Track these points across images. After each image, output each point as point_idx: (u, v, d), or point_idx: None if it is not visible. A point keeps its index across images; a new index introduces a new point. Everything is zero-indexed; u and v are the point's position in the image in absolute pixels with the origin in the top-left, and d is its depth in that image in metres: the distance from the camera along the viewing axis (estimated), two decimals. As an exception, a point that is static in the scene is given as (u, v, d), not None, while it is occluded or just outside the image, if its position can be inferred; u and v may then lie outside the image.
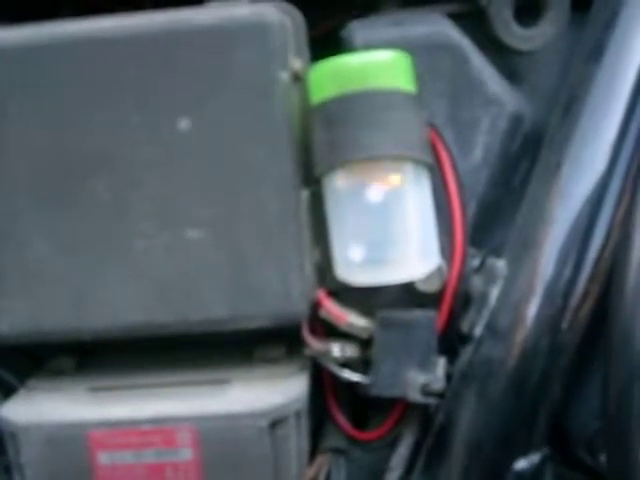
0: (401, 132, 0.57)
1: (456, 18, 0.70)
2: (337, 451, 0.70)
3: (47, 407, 0.61)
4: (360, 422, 0.70)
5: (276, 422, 0.59)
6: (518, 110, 0.69)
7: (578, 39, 0.69)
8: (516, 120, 0.69)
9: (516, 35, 0.68)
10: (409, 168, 0.58)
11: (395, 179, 0.58)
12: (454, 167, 0.64)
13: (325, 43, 0.65)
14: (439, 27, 0.67)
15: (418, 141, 0.58)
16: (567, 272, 0.62)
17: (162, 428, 0.58)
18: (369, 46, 0.65)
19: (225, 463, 0.59)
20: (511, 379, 0.62)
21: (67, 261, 0.60)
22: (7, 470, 0.71)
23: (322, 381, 0.69)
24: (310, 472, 0.67)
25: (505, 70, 0.70)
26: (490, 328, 0.63)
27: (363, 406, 0.70)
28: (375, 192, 0.58)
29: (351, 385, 0.66)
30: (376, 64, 0.58)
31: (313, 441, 0.67)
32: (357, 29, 0.67)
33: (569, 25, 0.68)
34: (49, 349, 0.67)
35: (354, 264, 0.59)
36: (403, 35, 0.66)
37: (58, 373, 0.67)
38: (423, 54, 0.65)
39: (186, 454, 0.58)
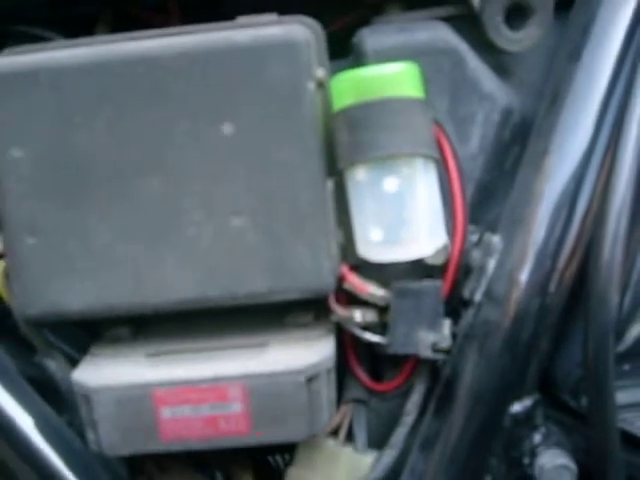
0: (412, 133, 0.66)
1: (453, 20, 0.77)
2: (358, 401, 0.79)
3: (114, 371, 0.70)
4: (376, 375, 0.80)
5: (311, 378, 0.68)
6: (509, 104, 0.76)
7: (560, 38, 0.76)
8: (507, 113, 0.76)
9: (506, 37, 0.74)
10: (419, 162, 0.68)
11: (407, 172, 0.68)
12: (455, 155, 0.73)
13: (334, 41, 0.73)
14: (440, 33, 0.75)
15: (427, 139, 0.68)
16: (553, 244, 0.70)
17: (216, 386, 0.68)
18: (378, 51, 0.73)
19: (269, 413, 0.68)
20: (506, 337, 0.71)
21: (128, 247, 0.69)
22: (70, 424, 0.81)
23: (343, 341, 0.78)
24: (336, 419, 0.77)
25: (496, 67, 0.77)
26: (488, 294, 0.71)
27: (378, 362, 0.79)
28: (390, 183, 0.67)
29: (369, 344, 0.76)
30: (390, 75, 0.67)
31: (336, 393, 0.75)
32: (367, 35, 0.75)
33: (553, 25, 0.75)
34: (107, 320, 0.75)
35: (374, 244, 0.69)
36: (408, 41, 0.74)
37: (116, 341, 0.75)
38: (426, 57, 0.73)
39: (236, 407, 0.68)
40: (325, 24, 0.72)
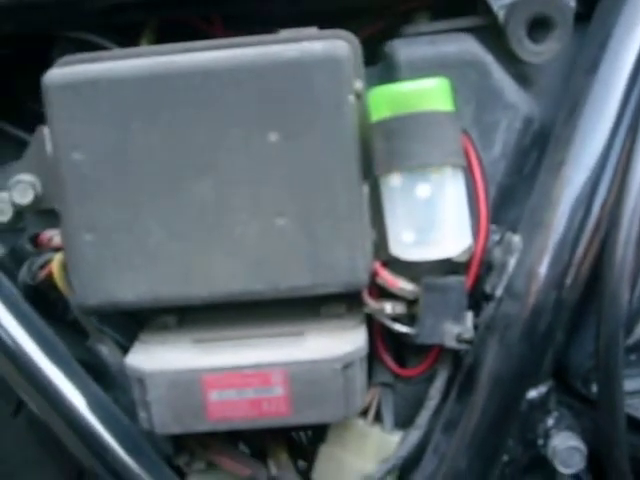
0: (443, 144, 0.72)
1: (476, 30, 0.81)
2: (385, 385, 0.85)
3: (165, 356, 0.76)
4: (402, 361, 0.85)
5: (347, 365, 0.73)
6: (529, 113, 0.81)
7: (579, 49, 0.80)
8: (528, 121, 0.80)
9: (528, 50, 0.78)
10: (448, 170, 0.73)
11: (438, 179, 0.73)
12: (479, 161, 0.78)
13: (364, 48, 0.77)
14: (468, 46, 0.79)
15: (456, 150, 0.73)
16: (569, 245, 0.75)
17: (259, 372, 0.73)
18: (410, 62, 0.78)
19: (308, 397, 0.73)
20: (525, 329, 0.76)
21: (179, 244, 0.74)
22: (116, 400, 0.87)
23: (372, 330, 0.82)
24: (365, 400, 0.82)
25: (518, 77, 0.81)
26: (508, 290, 0.77)
27: (404, 349, 0.85)
28: (423, 189, 0.73)
29: (395, 333, 0.81)
30: (424, 90, 0.73)
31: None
32: (400, 47, 0.79)
33: (572, 36, 0.78)
34: (156, 309, 0.81)
35: (405, 245, 0.75)
36: (437, 53, 0.79)
37: (164, 328, 0.81)
38: (454, 68, 0.78)
39: (278, 391, 0.73)
40: (354, 32, 0.76)
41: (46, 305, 0.87)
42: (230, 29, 0.85)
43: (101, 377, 0.87)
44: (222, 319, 0.81)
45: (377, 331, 0.84)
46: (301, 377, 0.74)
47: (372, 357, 0.85)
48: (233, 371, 0.74)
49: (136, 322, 0.85)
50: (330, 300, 0.80)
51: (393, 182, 0.74)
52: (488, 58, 0.80)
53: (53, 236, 0.82)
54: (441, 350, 0.82)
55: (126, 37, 0.86)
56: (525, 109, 0.81)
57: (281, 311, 0.80)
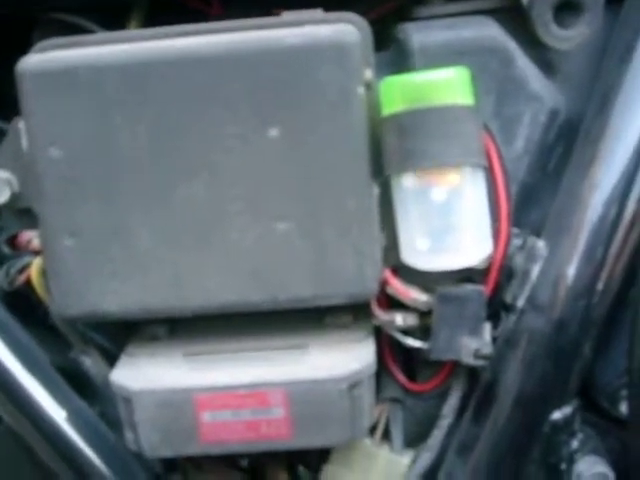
0: (462, 141, 0.65)
1: (496, 12, 0.75)
2: (394, 400, 0.79)
3: (154, 373, 0.70)
4: (412, 375, 0.79)
5: (354, 384, 0.67)
6: (555, 105, 0.74)
7: (611, 36, 0.74)
8: (553, 114, 0.74)
9: (555, 35, 0.72)
10: (468, 171, 0.67)
11: (456, 180, 0.66)
12: (501, 158, 0.71)
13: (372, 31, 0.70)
14: (487, 30, 0.72)
15: (476, 148, 0.66)
16: (599, 252, 0.69)
17: (257, 392, 0.67)
18: (424, 48, 0.71)
19: (311, 418, 0.68)
20: (549, 346, 0.70)
21: (170, 251, 0.68)
22: (102, 415, 0.81)
23: (380, 341, 0.77)
24: (373, 417, 0.77)
25: (543, 64, 0.75)
26: (531, 301, 0.71)
27: (415, 362, 0.79)
28: (438, 192, 0.66)
29: (405, 346, 0.75)
30: (441, 82, 0.65)
31: None
32: (414, 31, 0.72)
33: (604, 20, 0.72)
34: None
35: (419, 253, 0.68)
36: (455, 38, 0.72)
37: (153, 339, 0.75)
38: (473, 55, 0.71)
39: (278, 412, 0.68)
40: (361, 13, 0.69)
41: (26, 308, 0.81)
42: (229, 10, 0.79)
43: (85, 388, 0.81)
44: (217, 329, 0.75)
45: (386, 341, 0.79)
46: (303, 397, 0.68)
47: (380, 370, 0.78)
48: (228, 390, 0.68)
49: (125, 327, 0.79)
50: (336, 309, 0.74)
51: (406, 183, 0.67)
52: (511, 44, 0.73)
53: (32, 238, 0.75)
54: (455, 364, 0.76)
55: (113, 19, 0.79)
56: (551, 100, 0.75)
57: (282, 321, 0.75)
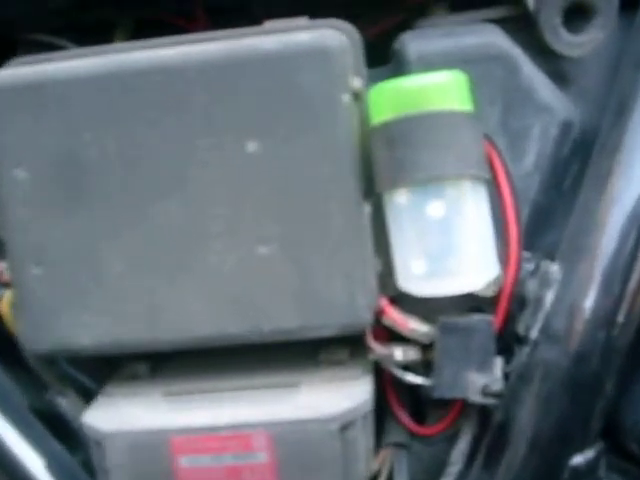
0: (460, 151, 0.59)
1: (503, 22, 0.70)
2: (399, 445, 0.73)
3: (129, 414, 0.64)
4: (419, 417, 0.73)
5: (346, 426, 0.61)
6: (568, 116, 0.70)
7: (626, 43, 0.70)
8: (566, 126, 0.70)
9: (565, 41, 0.68)
10: (467, 184, 0.60)
11: (454, 195, 0.60)
12: (508, 175, 0.65)
13: (374, 47, 0.67)
14: (490, 37, 0.68)
15: (476, 158, 0.60)
16: (620, 274, 0.63)
17: (239, 434, 0.61)
18: (422, 57, 0.67)
19: (298, 464, 0.61)
20: (567, 382, 0.64)
21: (143, 278, 0.63)
22: (84, 464, 0.75)
23: (382, 379, 0.71)
24: (375, 465, 0.71)
25: (553, 74, 0.71)
26: (546, 331, 0.65)
27: (422, 402, 0.73)
28: (435, 208, 0.60)
29: (411, 385, 0.68)
30: (435, 86, 0.59)
31: (375, 437, 0.68)
32: (410, 41, 0.68)
33: (617, 27, 0.68)
34: (125, 355, 0.69)
35: (416, 277, 0.61)
36: (455, 46, 0.67)
37: (133, 378, 0.70)
38: (475, 64, 0.66)
39: (262, 457, 0.61)
40: (362, 29, 0.65)
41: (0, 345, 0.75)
42: (216, 26, 0.74)
43: (66, 434, 0.75)
44: (203, 367, 0.70)
45: (388, 380, 0.72)
46: (289, 440, 0.61)
47: (383, 412, 0.73)
48: (207, 432, 0.62)
49: (108, 364, 0.74)
50: (331, 344, 0.68)
51: (399, 199, 0.61)
52: (516, 51, 0.69)
53: (4, 269, 0.69)
54: (464, 403, 0.69)
55: (97, 39, 0.75)
56: (562, 112, 0.70)
57: (273, 357, 0.69)
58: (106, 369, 0.73)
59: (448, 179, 0.60)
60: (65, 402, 0.72)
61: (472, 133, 0.60)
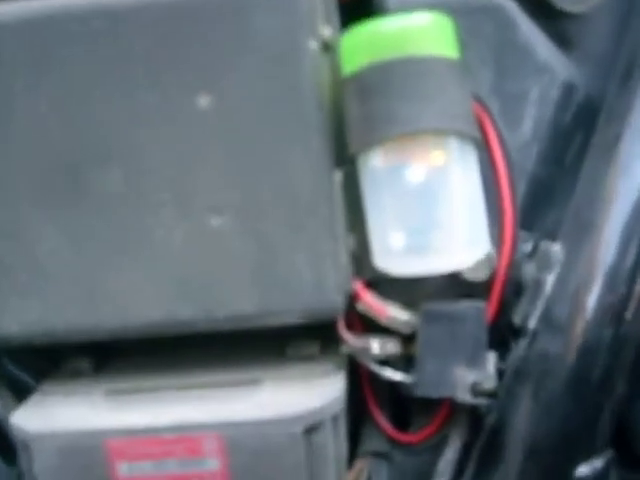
0: (444, 103, 0.52)
1: None
2: (378, 455, 0.67)
3: (61, 414, 0.57)
4: (402, 423, 0.67)
5: (311, 428, 0.54)
6: (570, 78, 0.64)
7: None
8: (568, 89, 0.64)
9: None
10: (453, 144, 0.53)
11: (438, 157, 0.53)
12: (502, 143, 0.59)
13: (354, 8, 0.60)
14: None
15: (463, 113, 0.53)
16: (631, 256, 0.58)
17: (186, 436, 0.54)
18: (403, 9, 0.59)
19: (255, 473, 0.54)
20: (570, 377, 0.59)
21: (80, 256, 0.56)
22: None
23: (359, 378, 0.65)
24: (349, 478, 0.64)
25: (554, 33, 0.65)
26: (546, 320, 0.59)
27: (405, 405, 0.66)
28: (416, 172, 0.53)
29: (392, 383, 0.62)
30: (414, 28, 0.53)
31: (351, 444, 0.63)
32: None
33: None
34: (66, 349, 0.63)
35: (394, 252, 0.54)
36: None
37: (75, 375, 0.63)
38: (463, 18, 0.59)
39: (213, 464, 0.54)
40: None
41: None
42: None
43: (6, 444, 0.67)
44: (155, 364, 0.63)
45: (366, 380, 0.65)
46: (245, 444, 0.54)
47: (361, 417, 0.67)
48: (149, 434, 0.54)
49: (49, 360, 0.67)
50: (299, 336, 0.62)
51: (374, 162, 0.54)
52: (510, 4, 0.62)
53: None
54: (453, 406, 0.63)
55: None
56: (564, 73, 0.65)
57: (236, 353, 0.63)
58: (48, 366, 0.67)
59: (430, 135, 0.53)
60: (-2, 404, 0.65)
61: (458, 83, 0.53)
